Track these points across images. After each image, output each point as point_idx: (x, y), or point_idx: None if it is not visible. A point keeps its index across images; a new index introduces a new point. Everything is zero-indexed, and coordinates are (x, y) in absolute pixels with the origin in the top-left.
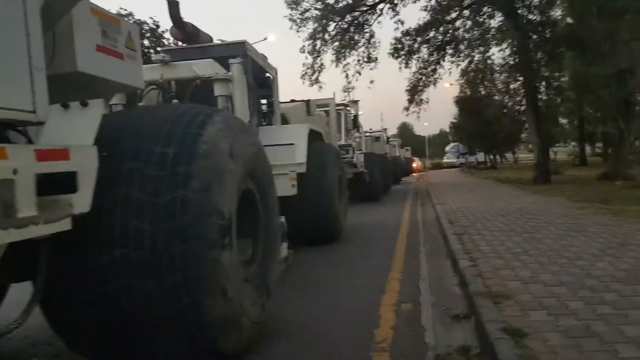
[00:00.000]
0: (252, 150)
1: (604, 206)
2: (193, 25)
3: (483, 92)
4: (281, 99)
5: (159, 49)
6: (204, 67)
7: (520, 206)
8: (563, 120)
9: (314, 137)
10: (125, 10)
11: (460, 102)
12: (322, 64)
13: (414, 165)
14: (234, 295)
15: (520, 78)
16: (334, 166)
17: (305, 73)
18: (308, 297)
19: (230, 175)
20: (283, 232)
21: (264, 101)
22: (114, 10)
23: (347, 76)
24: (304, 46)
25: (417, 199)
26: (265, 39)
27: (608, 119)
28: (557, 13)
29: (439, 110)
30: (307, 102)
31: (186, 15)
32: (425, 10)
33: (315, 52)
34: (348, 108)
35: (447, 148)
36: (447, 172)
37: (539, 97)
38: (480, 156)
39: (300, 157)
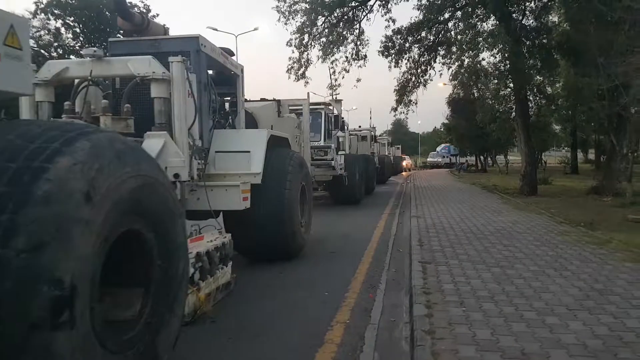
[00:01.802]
0: (138, 182)
1: (589, 232)
2: (142, 16)
3: (476, 95)
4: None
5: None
6: (140, 65)
7: (499, 226)
8: (557, 127)
9: (277, 143)
10: None
11: (452, 103)
12: (308, 59)
13: (404, 163)
14: None
15: (511, 85)
16: (296, 176)
17: (292, 67)
18: (229, 346)
19: (81, 227)
20: (225, 254)
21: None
22: None
23: (333, 73)
24: (290, 39)
25: (397, 205)
26: (255, 29)
27: (600, 130)
28: (553, 19)
29: (434, 108)
30: (278, 102)
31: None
32: (417, 9)
33: (303, 47)
34: (330, 107)
35: (438, 148)
36: (437, 173)
37: (530, 105)
38: (472, 158)
39: (256, 166)
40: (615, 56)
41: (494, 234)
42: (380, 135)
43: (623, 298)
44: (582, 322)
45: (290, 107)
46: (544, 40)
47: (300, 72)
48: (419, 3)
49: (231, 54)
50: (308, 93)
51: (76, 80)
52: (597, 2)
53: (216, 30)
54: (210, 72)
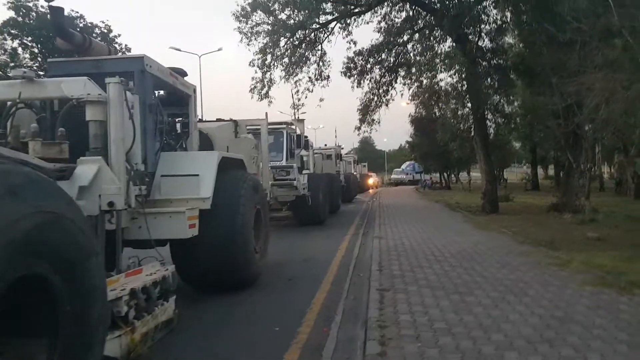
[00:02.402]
0: (37, 220)
1: (550, 252)
2: (83, 35)
3: (437, 114)
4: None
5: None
6: (74, 86)
7: (460, 247)
8: (517, 144)
9: (231, 165)
10: (77, 12)
11: (415, 121)
12: (271, 79)
13: (371, 181)
14: None
15: (469, 105)
16: (249, 200)
17: (255, 87)
18: None
19: None
20: (166, 288)
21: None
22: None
23: (296, 92)
24: (253, 60)
25: (362, 224)
26: (219, 49)
27: (557, 148)
28: (508, 40)
29: (400, 125)
30: (235, 122)
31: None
32: (377, 31)
33: (265, 67)
34: (292, 126)
35: (403, 166)
36: (402, 190)
37: (489, 124)
38: (436, 175)
39: (205, 190)
40: (568, 76)
41: (455, 256)
42: (347, 153)
43: (584, 327)
44: (542, 357)
45: (249, 127)
46: (499, 61)
47: (264, 91)
48: (379, 26)
49: (183, 74)
50: (266, 113)
51: (8, 103)
52: (547, 24)
53: (179, 50)
54: (161, 92)
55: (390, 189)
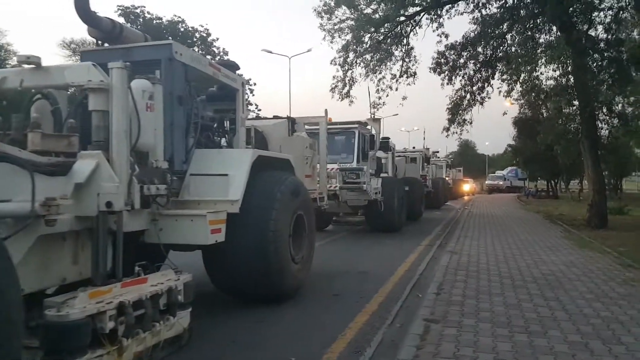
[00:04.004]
0: None
1: None
2: (112, 21)
3: (544, 115)
4: None
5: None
6: (76, 72)
7: (548, 269)
8: (637, 149)
9: (273, 165)
10: (179, 17)
11: (518, 123)
12: (353, 78)
13: (466, 187)
14: None
15: (575, 102)
16: (286, 204)
17: (335, 86)
18: None
19: None
20: (173, 301)
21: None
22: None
23: (377, 91)
24: (335, 58)
25: (441, 235)
26: (309, 50)
27: None
28: (625, 29)
29: (504, 127)
30: (292, 120)
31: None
32: (474, 23)
33: (347, 65)
34: (367, 126)
35: (505, 171)
36: (501, 198)
37: (599, 125)
38: (543, 182)
39: (234, 193)
40: None
41: (537, 280)
42: (445, 157)
43: None
44: None
45: (309, 127)
46: (614, 53)
47: (345, 91)
48: (473, 16)
49: (234, 67)
50: (326, 110)
51: (32, 91)
52: None
53: (270, 52)
54: (211, 86)
55: (488, 197)
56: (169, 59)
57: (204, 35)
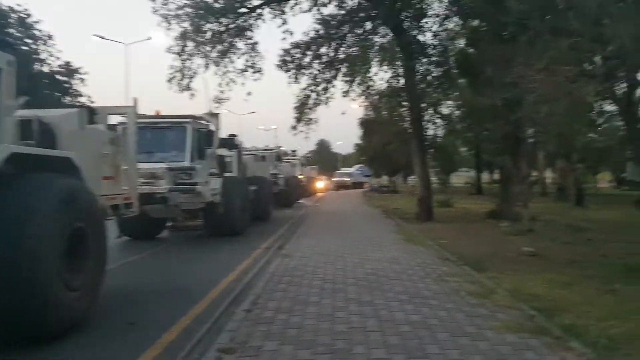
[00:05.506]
0: None
1: (474, 275)
2: None
3: (386, 115)
4: None
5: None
6: None
7: (373, 267)
8: (462, 148)
9: (47, 165)
10: None
11: (364, 123)
12: (192, 69)
13: (320, 185)
14: None
15: (405, 104)
16: (52, 217)
17: (173, 77)
18: None
19: None
20: None
21: None
22: None
23: (220, 85)
24: (171, 46)
25: (284, 235)
26: (149, 38)
27: (499, 152)
28: (450, 36)
29: (356, 128)
30: (89, 110)
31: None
32: (318, 23)
33: (185, 54)
34: (201, 121)
35: (353, 169)
36: (348, 194)
37: (428, 126)
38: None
39: None
40: (510, 72)
41: (359, 282)
42: (304, 155)
43: None
44: None
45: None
46: (441, 58)
47: (185, 82)
48: (319, 17)
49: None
50: (135, 98)
51: None
52: (492, 14)
53: (103, 38)
54: None
55: (338, 193)
56: None
57: (23, 16)
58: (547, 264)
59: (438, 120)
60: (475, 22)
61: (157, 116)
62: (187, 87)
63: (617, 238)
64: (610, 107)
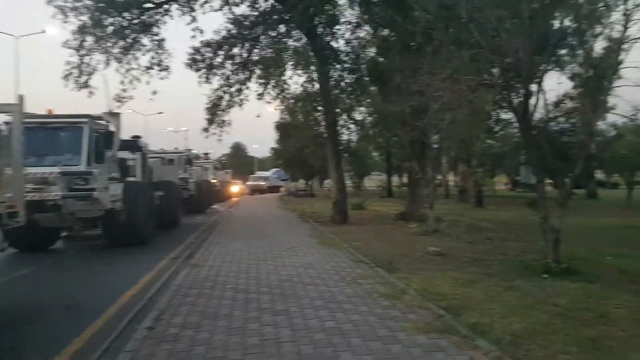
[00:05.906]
0: None
1: (386, 276)
2: None
3: (301, 119)
4: None
5: None
6: None
7: (287, 274)
8: (375, 153)
9: None
10: None
11: (280, 127)
12: (92, 65)
13: (234, 189)
14: None
15: (320, 108)
16: None
17: (70, 73)
18: None
19: None
20: None
21: None
22: None
23: (122, 82)
24: (68, 40)
25: (192, 244)
26: (43, 31)
27: (406, 157)
28: (362, 44)
29: (272, 131)
30: None
31: None
32: (231, 23)
33: (84, 50)
34: (100, 121)
35: (269, 173)
36: (264, 198)
37: (340, 130)
38: (301, 183)
39: None
40: (417, 81)
41: (273, 289)
42: (218, 159)
43: None
44: None
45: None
46: (353, 65)
47: (82, 80)
48: (232, 17)
49: None
50: (21, 95)
51: None
52: (398, 22)
53: None
54: None
55: (254, 197)
56: None
57: None
58: (452, 263)
59: (352, 126)
60: (385, 32)
61: (49, 115)
62: (86, 85)
63: (514, 237)
64: (506, 115)
